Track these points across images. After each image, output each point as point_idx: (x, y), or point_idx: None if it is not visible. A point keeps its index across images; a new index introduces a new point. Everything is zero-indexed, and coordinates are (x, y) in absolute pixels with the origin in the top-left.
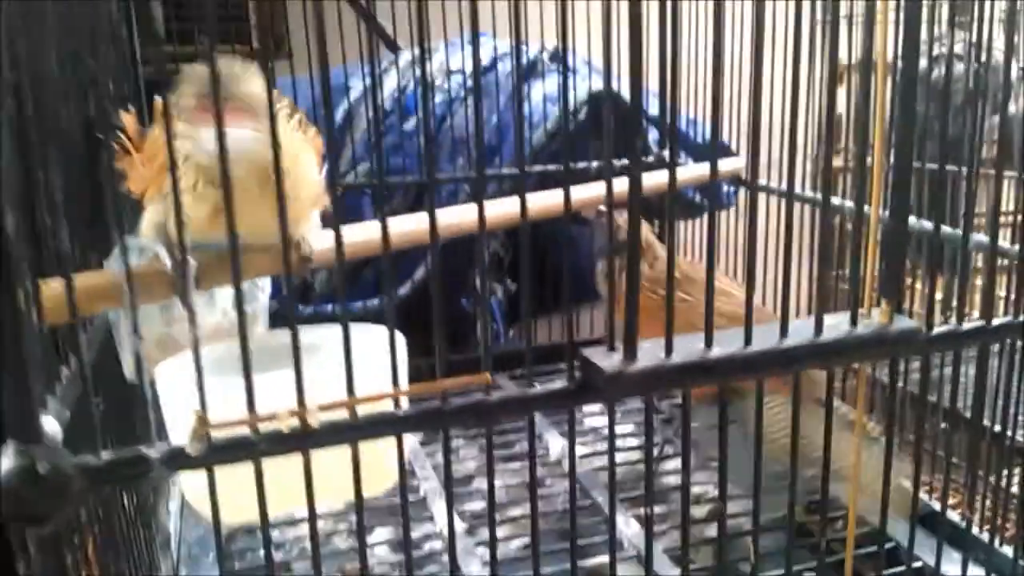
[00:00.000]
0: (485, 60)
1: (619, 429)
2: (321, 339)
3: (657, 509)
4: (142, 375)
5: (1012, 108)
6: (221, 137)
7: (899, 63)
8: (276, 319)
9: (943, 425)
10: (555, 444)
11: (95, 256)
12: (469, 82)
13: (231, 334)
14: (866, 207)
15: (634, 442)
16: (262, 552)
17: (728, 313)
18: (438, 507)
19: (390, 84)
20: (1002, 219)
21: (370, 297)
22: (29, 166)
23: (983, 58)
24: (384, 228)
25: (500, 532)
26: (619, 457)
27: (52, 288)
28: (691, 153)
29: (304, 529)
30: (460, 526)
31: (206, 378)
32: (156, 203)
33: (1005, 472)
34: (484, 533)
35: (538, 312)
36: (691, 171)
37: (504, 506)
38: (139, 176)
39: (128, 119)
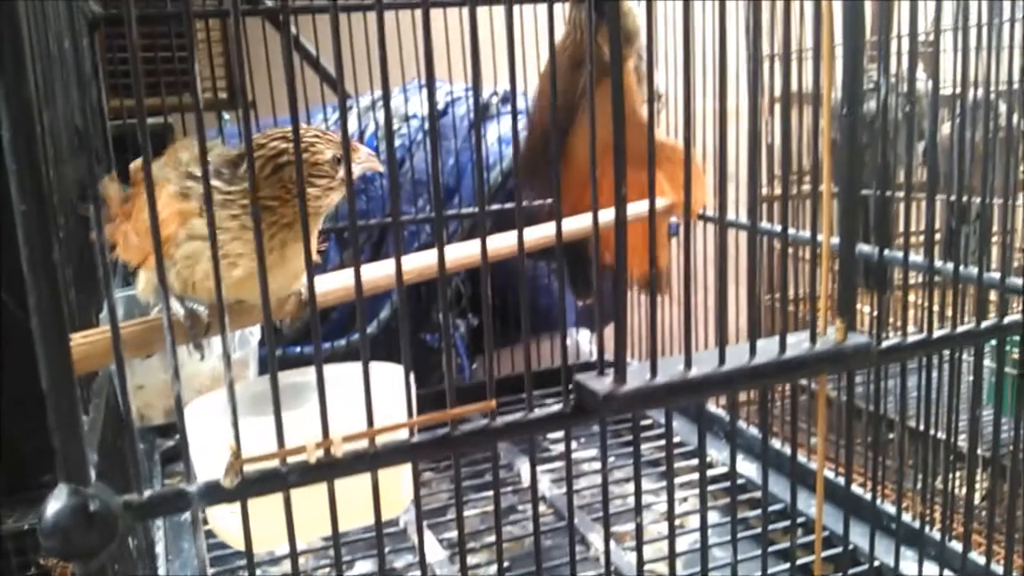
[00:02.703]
0: (440, 104)
1: (585, 454)
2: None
3: (626, 527)
4: (181, 415)
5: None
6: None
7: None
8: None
9: (891, 436)
10: (526, 471)
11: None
12: (426, 126)
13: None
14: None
15: (599, 466)
16: None
17: None
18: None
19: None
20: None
21: (337, 338)
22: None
23: (908, 89)
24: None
25: (480, 557)
26: (589, 480)
27: (76, 341)
28: None
29: (287, 567)
30: (442, 553)
31: (222, 418)
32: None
33: (951, 476)
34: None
35: (500, 344)
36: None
37: (481, 533)
38: (134, 246)
39: (112, 187)
